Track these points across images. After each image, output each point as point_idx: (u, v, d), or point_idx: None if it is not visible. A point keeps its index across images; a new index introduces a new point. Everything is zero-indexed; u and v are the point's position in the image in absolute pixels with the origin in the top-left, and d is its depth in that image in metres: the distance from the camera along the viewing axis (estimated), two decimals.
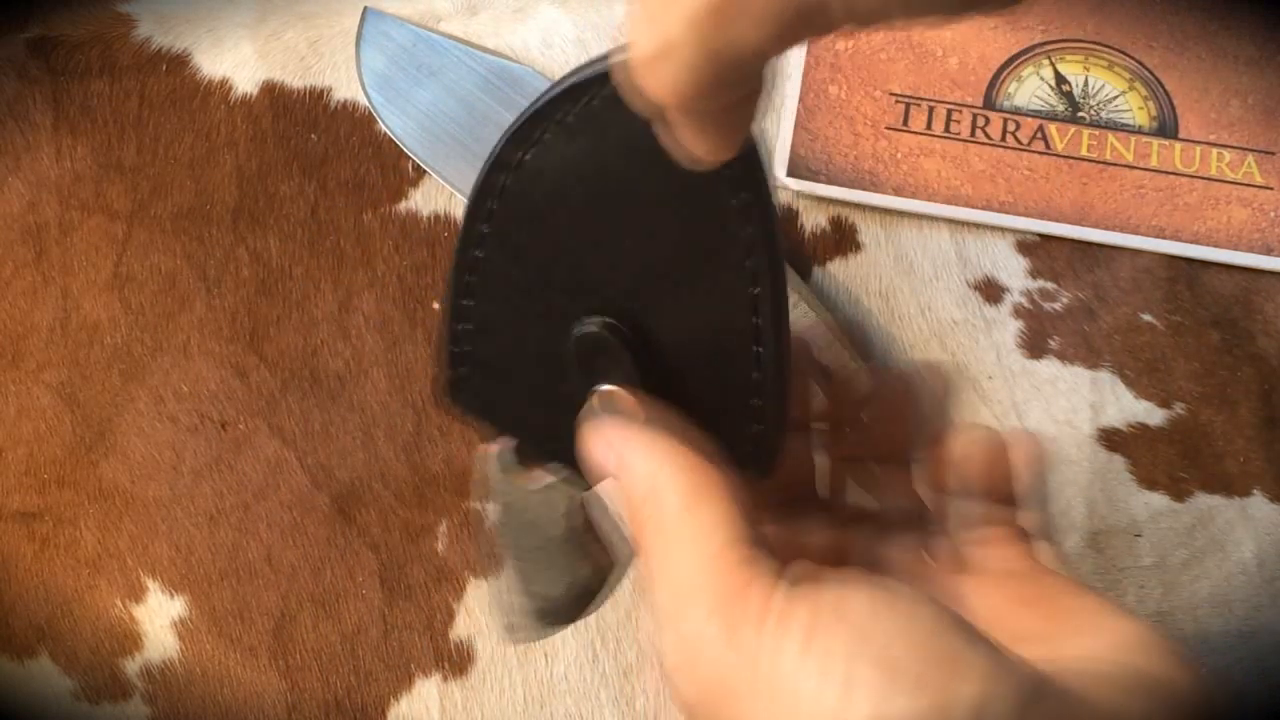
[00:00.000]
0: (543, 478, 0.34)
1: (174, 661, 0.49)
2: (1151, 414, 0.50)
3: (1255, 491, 0.50)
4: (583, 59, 0.54)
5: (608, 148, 0.30)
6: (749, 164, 0.29)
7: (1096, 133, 0.53)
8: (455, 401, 0.34)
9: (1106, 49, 0.54)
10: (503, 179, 0.31)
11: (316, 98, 0.54)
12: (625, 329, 0.31)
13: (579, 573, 0.34)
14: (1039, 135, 0.52)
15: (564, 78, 0.30)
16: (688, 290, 0.31)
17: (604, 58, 0.29)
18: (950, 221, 0.52)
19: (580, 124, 0.30)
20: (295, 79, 0.54)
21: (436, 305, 0.51)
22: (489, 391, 0.33)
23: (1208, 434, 0.50)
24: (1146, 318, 0.51)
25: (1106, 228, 0.51)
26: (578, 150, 0.30)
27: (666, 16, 0.21)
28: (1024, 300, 0.52)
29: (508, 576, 0.34)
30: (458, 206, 0.52)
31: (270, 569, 0.49)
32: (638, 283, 0.31)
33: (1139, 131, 0.53)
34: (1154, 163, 0.52)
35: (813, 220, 0.53)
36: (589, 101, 0.29)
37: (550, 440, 0.33)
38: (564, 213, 0.31)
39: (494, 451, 0.34)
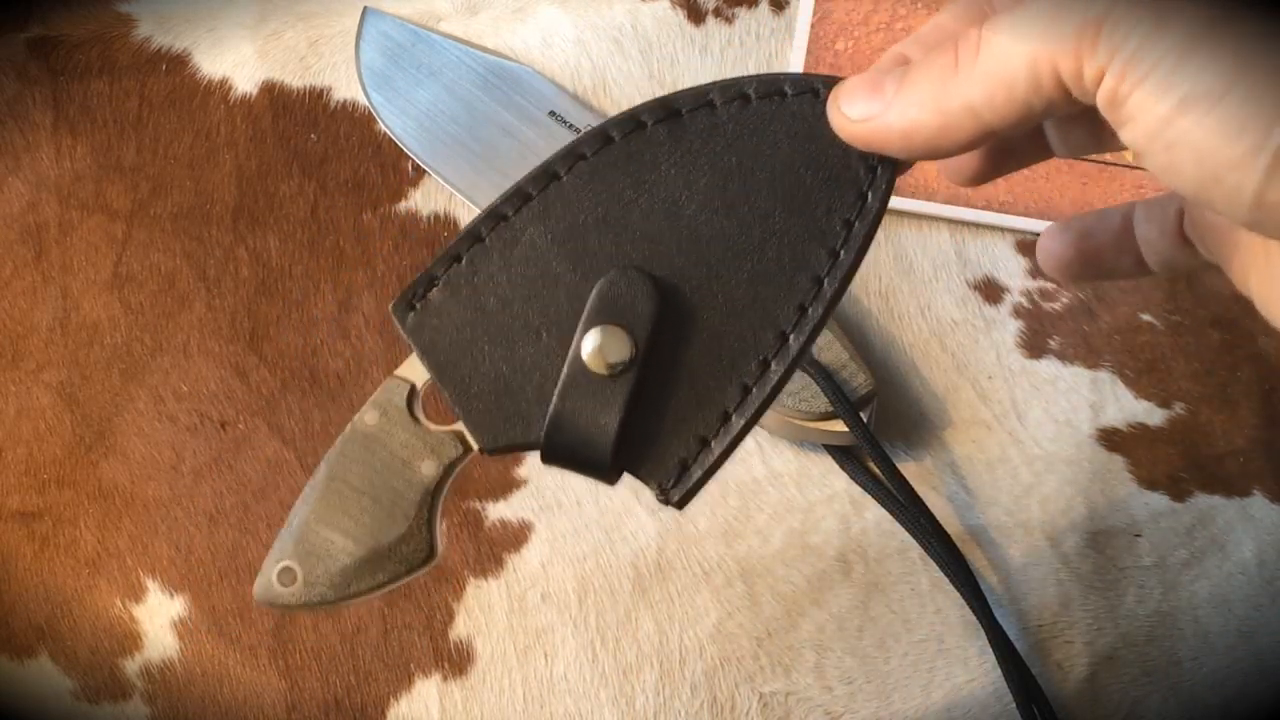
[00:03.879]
0: (428, 427, 0.32)
1: (174, 661, 0.49)
2: (1151, 414, 0.50)
3: (1255, 491, 0.50)
4: (582, 59, 0.54)
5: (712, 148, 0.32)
6: (883, 176, 0.32)
7: None
8: (407, 319, 0.32)
9: None
10: (590, 149, 0.32)
11: (316, 98, 0.54)
12: (661, 282, 0.31)
13: (385, 537, 0.32)
14: None
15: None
16: (742, 260, 0.32)
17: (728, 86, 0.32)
18: (950, 221, 0.52)
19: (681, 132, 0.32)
20: (295, 79, 0.54)
21: None
22: (447, 328, 0.32)
23: (1208, 434, 0.50)
24: (1146, 318, 0.51)
25: None
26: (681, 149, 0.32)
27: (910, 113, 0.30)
28: (1024, 300, 0.52)
29: (307, 501, 0.32)
30: (458, 206, 0.52)
31: None
32: (689, 248, 0.32)
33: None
34: None
35: None
36: (698, 109, 0.32)
37: (478, 398, 0.32)
38: (636, 191, 0.32)
39: (399, 384, 0.32)
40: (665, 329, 0.31)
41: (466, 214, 0.52)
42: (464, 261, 0.32)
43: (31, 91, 0.53)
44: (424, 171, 0.53)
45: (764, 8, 0.55)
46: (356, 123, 0.53)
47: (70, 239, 0.52)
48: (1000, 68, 0.28)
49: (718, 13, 0.55)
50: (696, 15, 0.55)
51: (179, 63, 0.54)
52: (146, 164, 0.53)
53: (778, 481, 0.49)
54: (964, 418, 0.50)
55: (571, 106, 0.53)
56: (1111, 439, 0.50)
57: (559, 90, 0.53)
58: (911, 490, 0.47)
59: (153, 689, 0.49)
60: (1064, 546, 0.49)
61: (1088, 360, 0.51)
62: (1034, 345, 0.51)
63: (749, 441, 0.50)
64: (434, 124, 0.53)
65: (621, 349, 0.31)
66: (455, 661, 0.48)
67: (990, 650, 0.47)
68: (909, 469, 0.49)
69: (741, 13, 0.55)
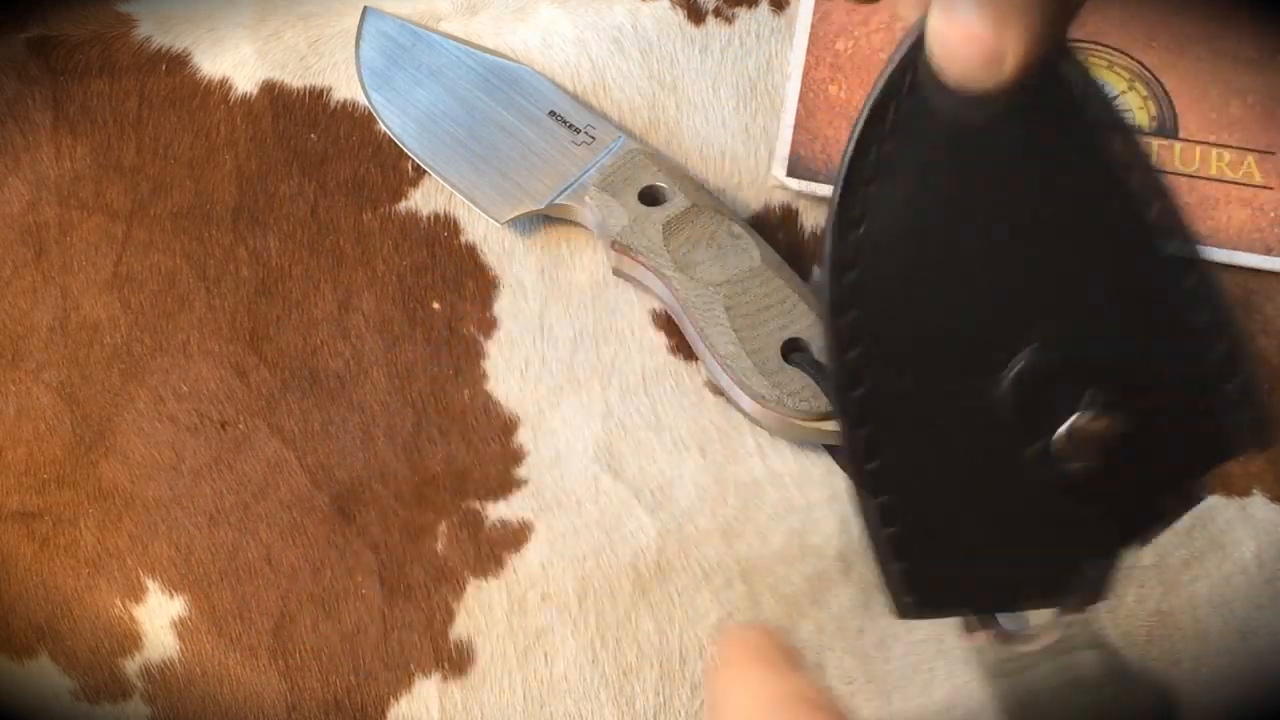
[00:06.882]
0: (1032, 638, 0.26)
1: (174, 661, 0.49)
2: None
3: (1255, 491, 0.50)
4: (582, 59, 0.54)
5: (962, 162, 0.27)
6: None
7: None
8: (922, 613, 0.26)
9: (1106, 49, 0.54)
10: (853, 234, 0.28)
11: (316, 97, 0.54)
12: (1072, 351, 0.26)
13: None
14: None
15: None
16: (1117, 292, 0.27)
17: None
18: None
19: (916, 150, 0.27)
20: (295, 79, 0.54)
21: (436, 305, 0.51)
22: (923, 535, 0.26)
23: None
24: None
25: None
26: (933, 176, 0.27)
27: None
28: None
29: None
30: (457, 206, 0.52)
31: (270, 569, 0.49)
32: (1059, 304, 0.27)
33: (1138, 131, 0.52)
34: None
35: (812, 220, 0.53)
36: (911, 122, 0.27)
37: (990, 562, 0.26)
38: (942, 250, 0.27)
39: (977, 636, 0.27)
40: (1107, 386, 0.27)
41: (466, 214, 0.52)
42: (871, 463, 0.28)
43: (31, 91, 0.53)
44: (424, 171, 0.53)
45: (764, 8, 0.55)
46: (356, 123, 0.53)
47: (70, 239, 0.52)
48: None
49: (718, 13, 0.55)
50: (696, 15, 0.55)
51: (179, 63, 0.54)
52: (146, 164, 0.53)
53: (778, 481, 0.49)
54: None
55: (571, 106, 0.53)
56: None
57: (559, 90, 0.53)
58: None
59: (153, 689, 0.49)
60: None
61: None
62: None
63: (749, 441, 0.50)
64: (434, 124, 0.53)
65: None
66: (455, 661, 0.48)
67: None
68: None
69: (741, 13, 0.55)
